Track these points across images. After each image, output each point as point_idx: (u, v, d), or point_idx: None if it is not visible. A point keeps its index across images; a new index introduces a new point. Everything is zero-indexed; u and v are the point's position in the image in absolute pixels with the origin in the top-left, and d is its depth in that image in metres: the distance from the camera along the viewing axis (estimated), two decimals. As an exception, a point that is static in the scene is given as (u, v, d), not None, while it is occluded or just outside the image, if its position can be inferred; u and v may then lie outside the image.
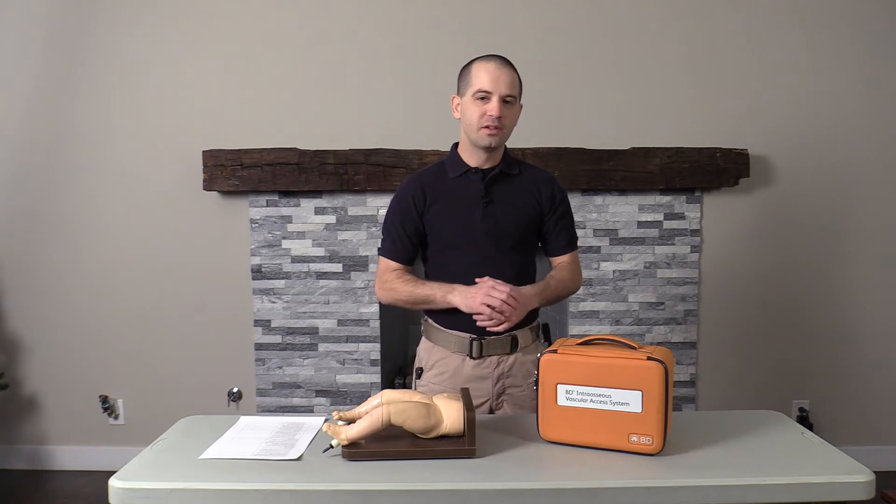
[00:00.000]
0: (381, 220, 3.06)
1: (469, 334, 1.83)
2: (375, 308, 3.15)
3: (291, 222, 3.13)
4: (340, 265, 3.14)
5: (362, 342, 3.16)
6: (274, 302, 3.15)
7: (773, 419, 1.65)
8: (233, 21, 3.12)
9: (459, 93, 1.83)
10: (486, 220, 1.83)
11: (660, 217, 3.14)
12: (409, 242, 1.87)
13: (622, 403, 1.42)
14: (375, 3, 3.11)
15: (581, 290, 1.93)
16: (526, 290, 1.80)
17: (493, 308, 1.71)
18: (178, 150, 3.13)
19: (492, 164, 1.85)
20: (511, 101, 1.78)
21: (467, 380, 1.84)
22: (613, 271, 3.14)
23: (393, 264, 1.87)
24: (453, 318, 1.83)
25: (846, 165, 3.16)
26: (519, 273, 1.87)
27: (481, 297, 1.72)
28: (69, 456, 3.25)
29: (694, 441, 1.49)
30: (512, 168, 1.88)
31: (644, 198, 3.13)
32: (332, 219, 3.13)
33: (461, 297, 1.76)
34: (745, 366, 3.23)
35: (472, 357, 1.84)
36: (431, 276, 1.90)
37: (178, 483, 1.30)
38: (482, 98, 1.76)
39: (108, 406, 3.22)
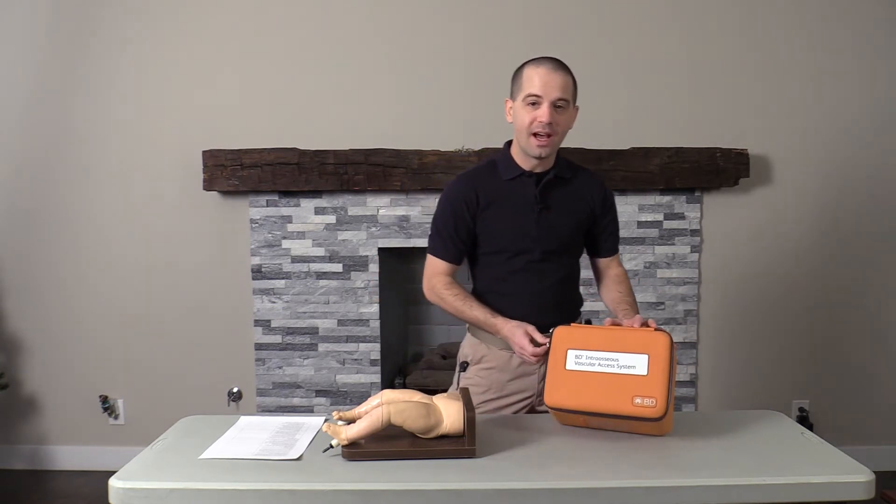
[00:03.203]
0: (381, 220, 3.10)
1: None
2: (375, 308, 3.15)
3: (291, 222, 3.13)
4: (340, 265, 3.14)
5: (362, 342, 3.16)
6: (274, 302, 3.15)
7: (773, 419, 1.65)
8: (233, 21, 3.12)
9: (512, 96, 1.81)
10: (540, 225, 1.82)
11: (660, 217, 3.14)
12: (461, 243, 1.85)
13: (629, 367, 1.47)
14: (375, 3, 3.11)
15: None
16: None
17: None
18: (178, 150, 3.13)
19: (545, 167, 1.83)
20: (563, 106, 1.74)
21: (513, 375, 1.86)
22: (613, 271, 3.14)
23: (442, 264, 1.86)
24: None
25: (846, 165, 3.16)
26: (564, 278, 1.88)
27: (516, 349, 1.75)
28: (69, 456, 3.25)
29: (694, 441, 1.49)
30: (565, 171, 1.86)
31: (644, 198, 3.13)
32: (332, 219, 3.13)
33: (505, 336, 1.78)
34: (745, 366, 3.23)
35: None
36: (479, 276, 1.91)
37: (178, 483, 1.30)
38: (533, 103, 1.73)
39: (108, 406, 3.22)
